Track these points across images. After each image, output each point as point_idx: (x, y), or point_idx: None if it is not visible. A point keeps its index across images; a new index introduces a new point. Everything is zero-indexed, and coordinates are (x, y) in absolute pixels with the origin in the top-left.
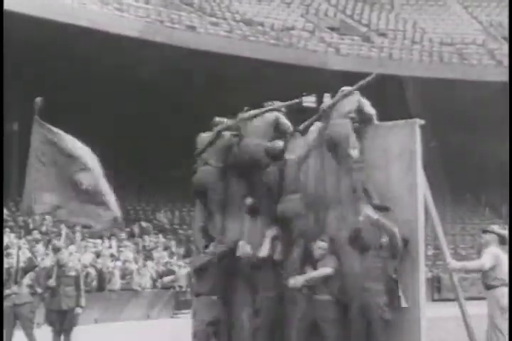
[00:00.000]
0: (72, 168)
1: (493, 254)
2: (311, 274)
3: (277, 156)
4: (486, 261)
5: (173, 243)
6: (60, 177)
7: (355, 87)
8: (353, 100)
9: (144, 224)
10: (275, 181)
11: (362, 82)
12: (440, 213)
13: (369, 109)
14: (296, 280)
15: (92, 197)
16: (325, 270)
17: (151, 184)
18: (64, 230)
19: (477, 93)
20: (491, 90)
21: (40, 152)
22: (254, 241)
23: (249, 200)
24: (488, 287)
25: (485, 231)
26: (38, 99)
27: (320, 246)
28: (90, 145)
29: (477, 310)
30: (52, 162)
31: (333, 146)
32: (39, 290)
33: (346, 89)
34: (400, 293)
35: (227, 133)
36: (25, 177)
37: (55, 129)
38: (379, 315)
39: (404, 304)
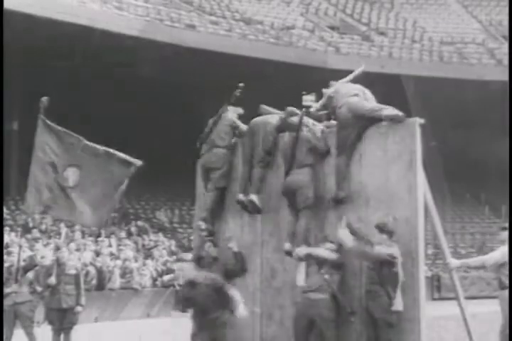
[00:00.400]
0: (64, 164)
1: (503, 252)
2: (318, 251)
3: (294, 128)
4: (489, 257)
5: (173, 242)
6: (56, 175)
7: (349, 76)
8: (357, 87)
9: (140, 223)
10: (290, 149)
11: (353, 74)
12: (440, 212)
13: (369, 94)
14: (300, 250)
15: (79, 195)
16: (330, 254)
17: (150, 182)
18: (64, 229)
19: (477, 92)
20: (490, 89)
21: (44, 151)
22: (253, 236)
23: (240, 196)
24: (503, 286)
25: (504, 229)
26: (44, 99)
27: (328, 246)
28: None
29: (480, 309)
30: (53, 160)
31: (351, 113)
32: (39, 288)
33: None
34: (398, 296)
35: (227, 114)
36: (25, 176)
37: (60, 128)
38: (384, 319)
39: (397, 307)
